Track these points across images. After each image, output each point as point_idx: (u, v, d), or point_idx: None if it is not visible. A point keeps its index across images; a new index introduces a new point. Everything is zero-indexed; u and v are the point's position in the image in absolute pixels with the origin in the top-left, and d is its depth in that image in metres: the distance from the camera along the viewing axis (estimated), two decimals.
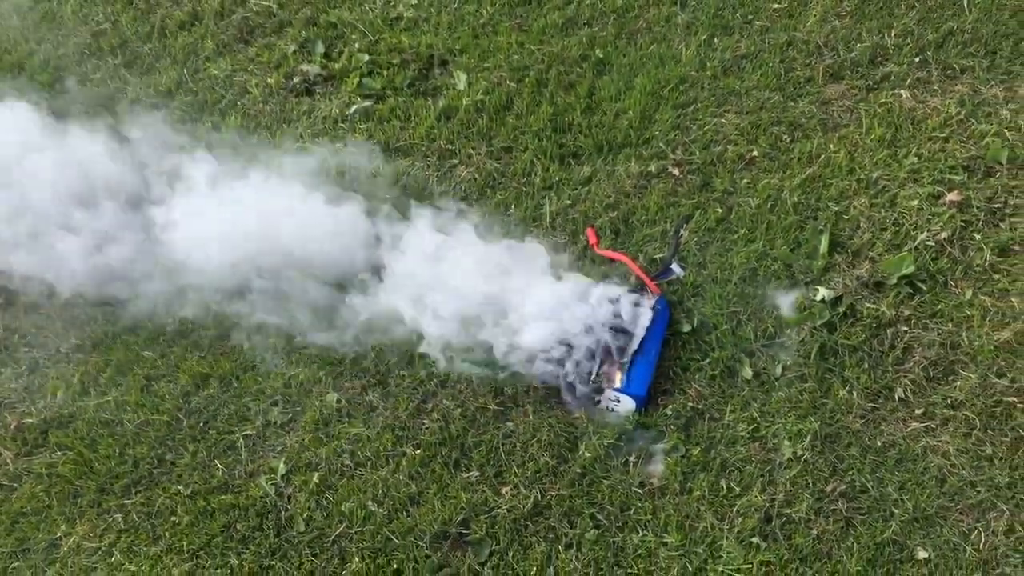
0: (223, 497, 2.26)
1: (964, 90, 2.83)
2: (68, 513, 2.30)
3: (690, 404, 2.30)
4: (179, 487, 2.29)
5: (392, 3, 3.48)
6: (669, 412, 2.29)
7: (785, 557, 2.03)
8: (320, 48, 3.34)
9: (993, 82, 2.84)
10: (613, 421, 2.29)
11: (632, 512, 2.15)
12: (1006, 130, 2.70)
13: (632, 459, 2.23)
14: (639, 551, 2.09)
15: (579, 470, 2.21)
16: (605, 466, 2.22)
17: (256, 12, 3.52)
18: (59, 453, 2.40)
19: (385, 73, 3.22)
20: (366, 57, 3.27)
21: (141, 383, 2.50)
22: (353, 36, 3.37)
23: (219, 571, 2.15)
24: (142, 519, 2.26)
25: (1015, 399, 2.19)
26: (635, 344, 2.35)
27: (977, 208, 2.54)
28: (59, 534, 2.26)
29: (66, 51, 3.50)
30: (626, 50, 3.17)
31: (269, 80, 3.27)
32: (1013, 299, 2.35)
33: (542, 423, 2.30)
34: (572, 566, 2.08)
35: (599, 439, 2.26)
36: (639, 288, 2.49)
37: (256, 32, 3.48)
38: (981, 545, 2.01)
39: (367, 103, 3.13)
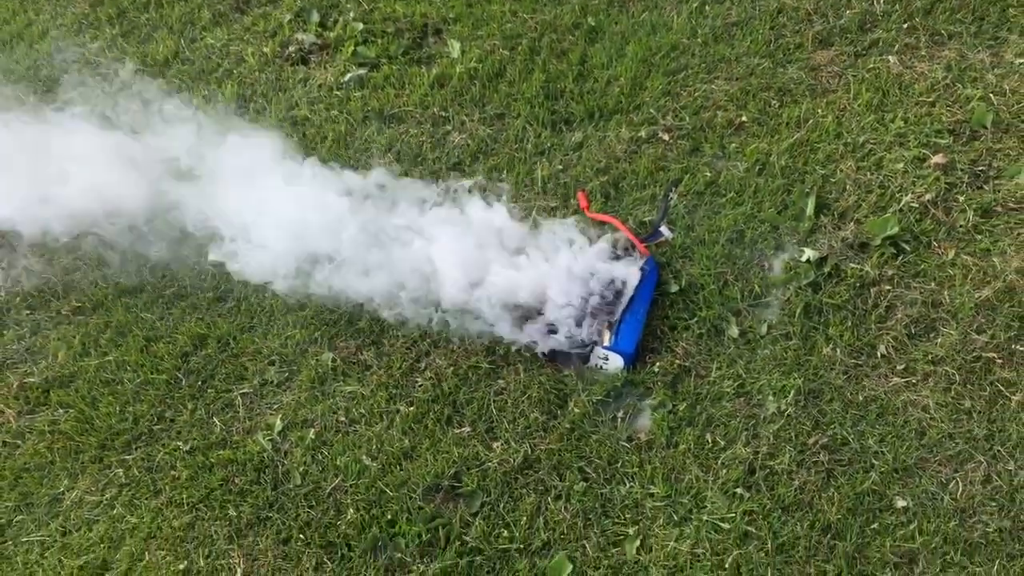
0: (221, 452, 2.32)
1: (951, 55, 2.86)
2: (70, 468, 2.36)
3: (677, 362, 2.35)
4: (179, 443, 2.35)
5: None
6: (657, 369, 2.34)
7: (768, 506, 2.09)
8: (315, 17, 3.37)
9: (980, 47, 2.87)
10: (602, 378, 2.34)
11: (620, 465, 2.20)
12: (991, 94, 2.73)
13: (620, 415, 2.28)
14: (626, 502, 2.14)
15: (568, 425, 2.27)
16: (594, 421, 2.28)
17: None
18: (61, 411, 2.45)
19: (380, 42, 3.26)
20: (361, 26, 3.30)
21: (141, 344, 2.56)
22: (348, 5, 3.41)
23: (218, 523, 2.21)
24: (143, 473, 2.32)
25: (994, 354, 2.24)
26: (624, 303, 2.40)
27: (961, 171, 2.58)
28: (61, 489, 2.32)
29: (64, 22, 3.54)
30: (618, 18, 3.20)
31: (265, 49, 3.30)
32: (994, 259, 2.40)
33: (532, 380, 2.35)
34: (561, 516, 2.13)
35: (588, 396, 2.31)
36: (628, 249, 2.53)
37: (252, 2, 3.51)
38: (959, 495, 2.07)
39: (362, 71, 3.17)
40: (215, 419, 2.39)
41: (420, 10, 3.34)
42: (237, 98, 3.15)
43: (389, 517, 2.16)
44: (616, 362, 2.34)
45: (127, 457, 2.35)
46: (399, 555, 2.11)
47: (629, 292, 2.41)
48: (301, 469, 2.27)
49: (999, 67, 2.81)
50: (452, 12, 3.32)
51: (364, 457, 2.27)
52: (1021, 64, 2.80)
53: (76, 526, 2.26)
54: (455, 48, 3.19)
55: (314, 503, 2.22)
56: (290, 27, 3.36)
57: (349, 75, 3.16)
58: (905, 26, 2.97)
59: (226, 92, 3.16)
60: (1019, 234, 2.45)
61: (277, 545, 2.16)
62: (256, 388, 2.43)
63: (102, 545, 2.22)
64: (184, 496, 2.26)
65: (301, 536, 2.16)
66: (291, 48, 3.29)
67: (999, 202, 2.51)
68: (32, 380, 2.52)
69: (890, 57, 2.89)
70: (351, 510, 2.18)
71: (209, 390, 2.45)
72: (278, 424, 2.35)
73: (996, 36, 2.90)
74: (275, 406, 2.39)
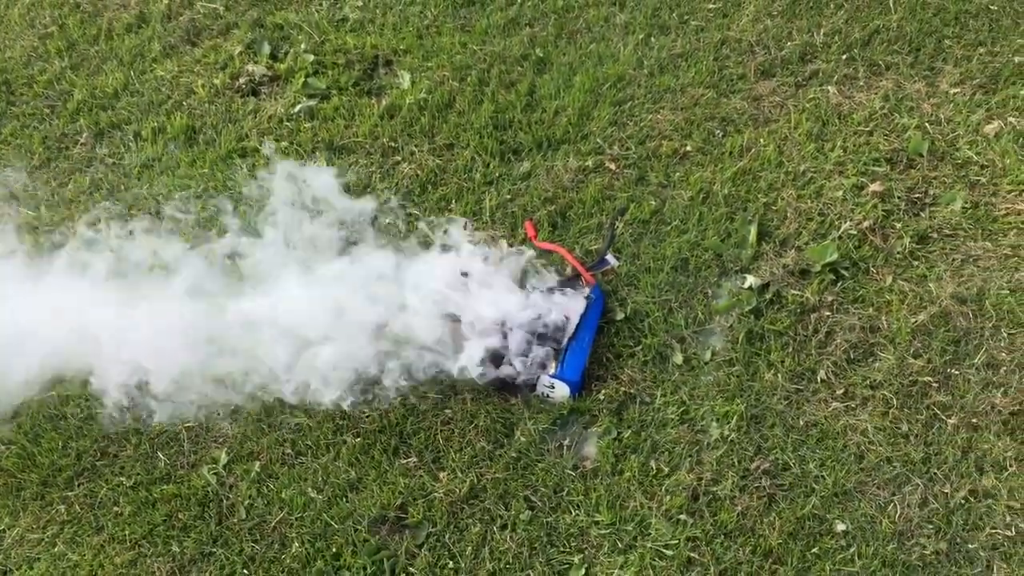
0: (165, 487, 2.30)
1: (888, 86, 2.94)
2: (11, 506, 2.32)
3: (623, 389, 2.37)
4: (122, 478, 2.32)
5: (338, 4, 3.53)
6: (602, 397, 2.36)
7: (711, 532, 2.11)
8: (266, 49, 3.38)
9: (916, 78, 2.95)
10: (548, 406, 2.36)
11: (565, 493, 2.21)
12: (927, 123, 2.81)
13: (566, 443, 2.30)
14: (571, 530, 2.15)
15: (514, 454, 2.28)
16: (540, 450, 2.29)
17: (203, 14, 3.56)
18: (2, 448, 2.42)
19: (330, 73, 3.28)
20: (311, 57, 3.32)
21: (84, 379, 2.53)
22: (299, 37, 3.42)
23: (160, 559, 2.19)
24: (85, 510, 2.29)
25: (930, 379, 2.29)
26: (569, 332, 2.42)
27: (898, 198, 2.64)
28: (2, 527, 2.29)
29: (12, 54, 3.52)
30: (566, 49, 3.25)
31: (215, 81, 3.30)
32: (930, 284, 2.46)
33: (479, 410, 2.36)
34: (507, 546, 2.14)
35: (534, 424, 2.32)
36: (573, 278, 2.56)
37: (203, 34, 3.51)
38: (896, 517, 2.10)
39: (312, 102, 3.18)
40: (159, 453, 2.37)
41: (371, 42, 3.37)
42: (187, 129, 3.14)
43: (334, 550, 2.16)
44: (562, 390, 2.36)
45: (69, 494, 2.32)
46: None
47: (574, 320, 2.43)
48: (246, 503, 2.25)
49: (935, 96, 2.89)
50: (402, 44, 3.35)
51: (310, 489, 2.26)
52: (956, 94, 2.89)
53: (17, 564, 2.23)
54: (405, 79, 3.22)
55: (259, 537, 2.20)
56: (241, 59, 3.37)
57: (299, 106, 3.17)
58: (844, 57, 3.04)
59: (175, 124, 3.15)
60: (954, 260, 2.51)
61: None
62: (201, 421, 2.41)
63: None
64: (127, 532, 2.23)
65: (245, 571, 2.15)
66: (241, 80, 3.29)
67: (935, 228, 2.57)
68: None
69: (829, 87, 2.96)
70: (296, 543, 2.17)
71: (153, 424, 2.42)
72: (223, 457, 2.33)
73: (932, 67, 2.98)
74: (220, 439, 2.38)
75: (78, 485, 2.34)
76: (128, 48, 3.49)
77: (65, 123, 3.23)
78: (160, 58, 3.45)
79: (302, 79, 3.25)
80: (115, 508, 2.28)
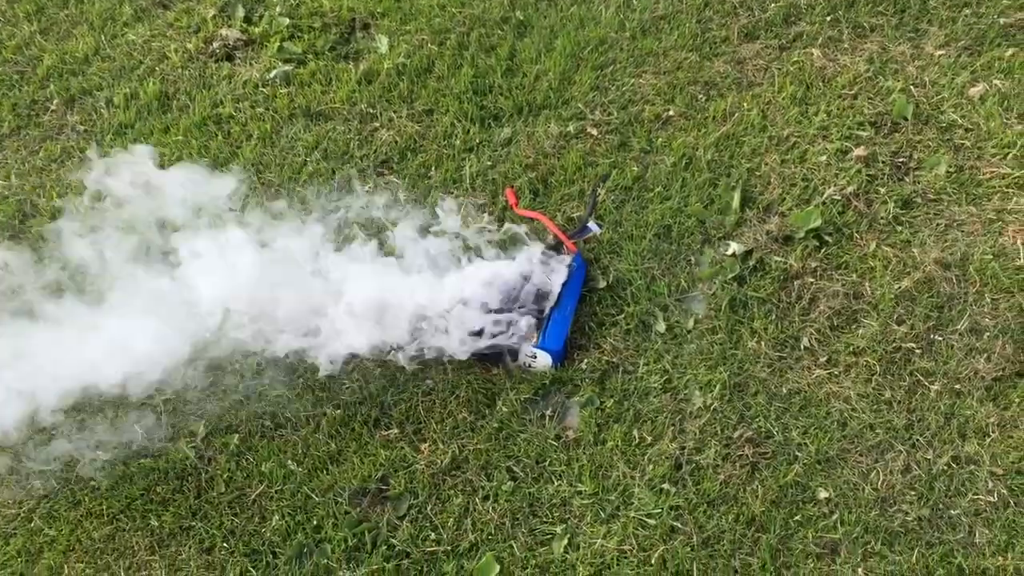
0: (143, 461, 2.27)
1: (873, 48, 2.90)
2: None
3: (605, 358, 2.35)
4: (99, 452, 2.29)
5: None
6: (585, 366, 2.34)
7: (694, 501, 2.10)
8: (240, 12, 3.31)
9: (901, 40, 2.91)
10: (530, 376, 2.33)
11: (547, 464, 2.20)
12: (912, 86, 2.78)
13: (548, 413, 2.28)
14: (554, 500, 2.14)
15: (496, 425, 2.26)
16: (522, 420, 2.27)
17: None
18: None
19: (306, 37, 3.21)
20: (287, 21, 3.25)
21: None
22: (274, 0, 3.35)
23: (139, 533, 2.16)
24: (61, 484, 2.26)
25: (913, 345, 2.28)
26: (551, 301, 2.39)
27: (883, 163, 2.62)
28: None
29: None
30: (547, 12, 3.19)
31: (188, 45, 3.23)
32: (914, 249, 2.44)
33: (460, 380, 2.34)
34: (489, 517, 2.12)
35: (516, 394, 2.30)
36: (556, 246, 2.52)
37: None
38: (879, 484, 2.10)
39: (288, 67, 3.12)
40: (136, 427, 2.33)
41: (347, 4, 3.30)
42: (159, 96, 3.07)
43: (315, 523, 2.14)
44: (544, 360, 2.34)
45: (46, 468, 2.29)
46: (325, 561, 2.08)
47: (556, 289, 2.40)
48: (225, 476, 2.23)
49: (919, 59, 2.86)
50: (380, 7, 3.28)
51: (290, 462, 2.23)
52: (941, 56, 2.85)
53: None
54: (383, 43, 3.16)
55: (238, 510, 2.18)
56: (214, 23, 3.29)
57: (275, 71, 3.11)
58: (828, 19, 3.00)
59: (148, 90, 3.08)
60: (938, 225, 2.49)
61: (200, 554, 2.12)
62: (179, 394, 2.38)
63: (19, 559, 2.16)
64: (104, 507, 2.20)
65: (225, 544, 2.13)
66: (215, 44, 3.22)
67: (919, 193, 2.55)
68: None
69: (814, 50, 2.92)
70: (276, 516, 2.15)
71: (130, 398, 2.39)
72: (201, 431, 2.30)
73: (917, 28, 2.95)
74: (198, 412, 2.34)
75: (54, 459, 2.30)
76: (98, 12, 3.41)
77: (35, 89, 3.16)
78: (131, 22, 3.37)
79: (277, 43, 3.19)
80: (92, 482, 2.25)
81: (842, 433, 2.17)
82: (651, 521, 2.08)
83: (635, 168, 2.69)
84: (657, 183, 2.66)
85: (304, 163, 2.82)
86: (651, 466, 2.16)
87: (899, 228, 2.49)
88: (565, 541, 2.07)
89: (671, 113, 2.83)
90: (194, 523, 2.17)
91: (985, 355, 2.25)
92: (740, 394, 2.26)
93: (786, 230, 2.51)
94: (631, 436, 2.21)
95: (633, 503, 2.12)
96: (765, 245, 2.49)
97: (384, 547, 2.09)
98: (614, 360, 2.35)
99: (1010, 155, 2.59)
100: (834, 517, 2.06)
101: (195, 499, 2.20)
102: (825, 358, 2.29)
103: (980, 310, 2.33)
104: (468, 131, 2.86)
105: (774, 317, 2.37)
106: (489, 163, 2.78)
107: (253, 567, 2.09)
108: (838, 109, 2.75)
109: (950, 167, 2.59)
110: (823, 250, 2.46)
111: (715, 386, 2.26)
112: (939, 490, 2.08)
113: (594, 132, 2.81)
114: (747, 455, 2.16)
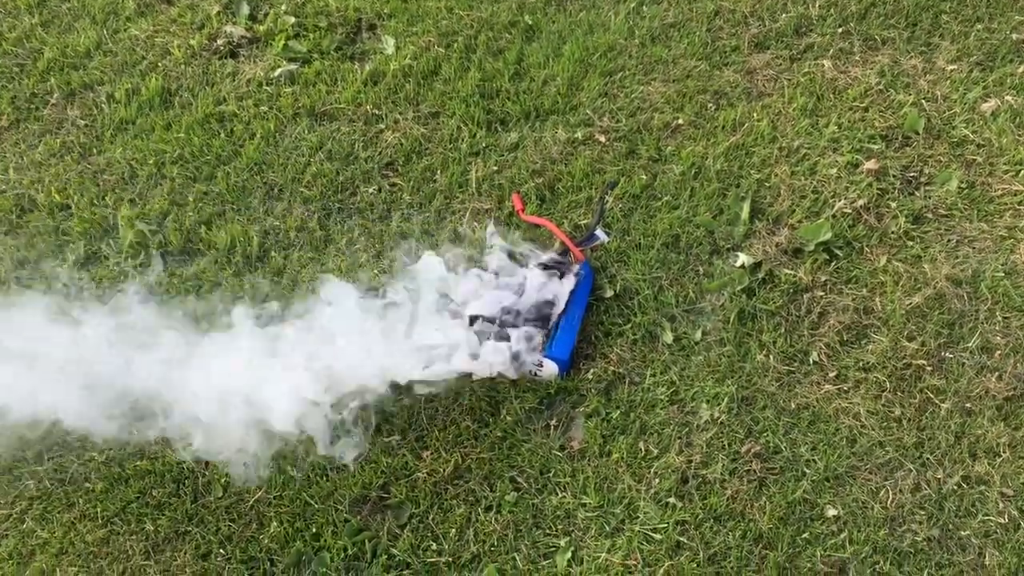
0: (139, 463, 2.22)
1: (884, 61, 2.88)
2: None
3: (611, 368, 2.32)
4: (93, 453, 2.25)
5: None
6: (591, 376, 2.31)
7: (700, 516, 2.07)
8: (245, 10, 3.27)
9: (912, 53, 2.89)
10: (535, 385, 2.30)
11: (552, 475, 2.16)
12: (923, 100, 2.76)
13: (553, 423, 2.24)
14: (558, 512, 2.10)
15: (500, 434, 2.22)
16: (526, 430, 2.23)
17: None
18: None
19: (312, 36, 3.17)
20: (292, 19, 3.21)
21: None
22: None
23: (134, 537, 2.12)
24: (55, 486, 2.21)
25: (924, 362, 2.25)
26: (558, 310, 2.36)
27: (894, 176, 2.59)
28: None
29: None
30: (555, 17, 3.16)
31: (192, 42, 3.19)
32: (925, 265, 2.41)
33: (464, 388, 2.30)
34: (491, 527, 2.09)
35: (520, 403, 2.26)
36: (562, 254, 2.49)
37: None
38: (888, 503, 2.07)
39: (293, 67, 3.08)
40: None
41: (354, 4, 3.26)
42: (162, 92, 3.03)
43: (314, 530, 2.10)
44: (550, 369, 2.30)
45: (38, 468, 2.24)
46: (324, 570, 2.04)
47: (563, 298, 2.37)
48: (223, 481, 2.18)
49: (931, 73, 2.84)
50: (387, 7, 3.25)
51: (289, 468, 2.19)
52: (953, 71, 2.83)
53: None
54: (389, 44, 3.12)
55: (236, 516, 2.14)
56: (218, 19, 3.25)
57: (279, 70, 3.07)
58: (839, 31, 2.98)
59: (150, 85, 3.04)
60: (949, 241, 2.47)
61: (196, 560, 2.08)
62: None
63: (11, 561, 2.11)
64: (98, 509, 2.16)
65: (221, 551, 2.08)
66: (219, 41, 3.18)
67: (930, 208, 2.53)
68: None
69: (825, 61, 2.90)
70: (274, 523, 2.11)
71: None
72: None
73: (928, 42, 2.93)
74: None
75: (48, 460, 2.26)
76: (101, 6, 3.36)
77: (35, 83, 3.11)
78: (134, 16, 3.33)
79: (282, 42, 3.15)
80: (86, 484, 2.21)
81: (851, 450, 2.14)
82: (656, 536, 2.05)
83: (643, 176, 2.66)
84: (665, 192, 2.63)
85: (308, 163, 2.78)
86: (657, 479, 2.13)
87: (910, 243, 2.46)
88: (569, 554, 2.04)
89: (680, 122, 2.80)
90: (190, 528, 2.12)
91: (996, 374, 2.23)
92: (748, 408, 2.23)
93: (796, 242, 2.48)
94: (637, 448, 2.18)
95: (638, 517, 2.08)
96: (774, 257, 2.46)
97: (384, 557, 2.05)
98: (620, 371, 2.31)
99: (1022, 172, 2.57)
100: (842, 535, 2.03)
101: (192, 503, 2.16)
102: (834, 373, 2.26)
103: (991, 328, 2.30)
104: (474, 135, 2.83)
105: (783, 330, 2.34)
106: (495, 168, 2.74)
107: (250, 574, 2.05)
108: (849, 121, 2.73)
109: (961, 183, 2.56)
110: (833, 264, 2.44)
111: (723, 399, 2.23)
112: (949, 510, 2.05)
113: (602, 139, 2.78)
114: (755, 470, 2.13)
